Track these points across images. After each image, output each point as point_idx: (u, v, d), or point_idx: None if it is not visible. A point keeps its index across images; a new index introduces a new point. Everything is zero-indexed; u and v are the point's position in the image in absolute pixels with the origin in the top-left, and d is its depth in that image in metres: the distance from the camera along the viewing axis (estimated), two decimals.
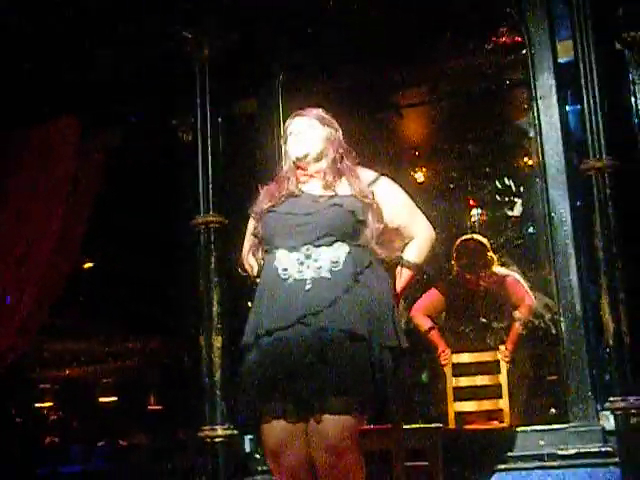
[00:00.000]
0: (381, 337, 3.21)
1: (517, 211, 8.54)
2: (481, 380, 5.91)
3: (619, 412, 4.40)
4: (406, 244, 3.56)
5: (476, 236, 6.67)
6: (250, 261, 3.55)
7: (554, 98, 5.14)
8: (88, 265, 8.61)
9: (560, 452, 4.67)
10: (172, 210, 5.90)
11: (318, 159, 3.51)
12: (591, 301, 4.86)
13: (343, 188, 3.45)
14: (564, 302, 4.92)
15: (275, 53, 5.81)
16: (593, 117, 4.67)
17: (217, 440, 4.96)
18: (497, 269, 6.41)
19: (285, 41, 5.81)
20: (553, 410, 6.29)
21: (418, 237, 3.54)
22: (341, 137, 3.59)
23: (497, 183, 8.60)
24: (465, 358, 6.02)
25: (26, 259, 6.01)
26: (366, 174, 3.54)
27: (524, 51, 5.45)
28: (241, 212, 3.65)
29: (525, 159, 8.33)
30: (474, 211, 8.49)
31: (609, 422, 4.58)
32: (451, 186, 8.74)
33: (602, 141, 4.63)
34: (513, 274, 6.53)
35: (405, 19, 5.87)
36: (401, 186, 3.62)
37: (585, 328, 4.85)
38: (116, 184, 6.54)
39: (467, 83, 7.49)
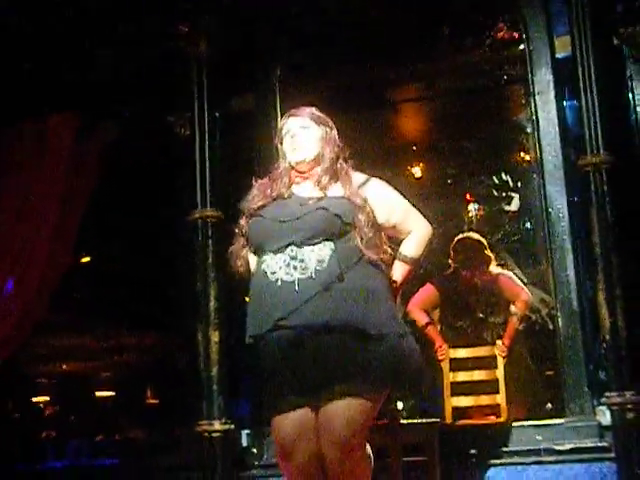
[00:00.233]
0: (372, 325, 3.20)
1: (514, 206, 8.55)
2: (478, 375, 5.92)
3: (615, 407, 4.42)
4: (402, 240, 3.56)
5: (474, 234, 6.67)
6: (240, 257, 3.55)
7: (552, 94, 5.15)
8: (85, 261, 8.60)
9: (556, 447, 4.69)
10: (169, 206, 5.90)
11: (315, 161, 3.51)
12: (588, 296, 4.87)
13: (335, 190, 3.45)
14: (561, 297, 4.93)
15: (272, 50, 5.80)
16: (590, 113, 4.68)
17: (214, 435, 4.98)
18: (493, 268, 6.41)
19: (282, 39, 5.81)
20: (549, 405, 6.30)
21: (416, 232, 3.54)
22: (336, 135, 3.58)
23: (494, 179, 8.61)
24: (462, 353, 6.03)
25: (22, 255, 6.01)
26: (356, 176, 3.54)
27: (522, 47, 5.46)
28: (238, 207, 3.64)
29: (522, 155, 8.34)
30: (471, 206, 8.50)
31: (605, 417, 4.59)
32: (449, 182, 8.75)
33: (599, 137, 4.64)
34: (508, 272, 6.54)
35: (402, 16, 5.87)
36: (393, 186, 3.61)
37: (582, 323, 4.86)
38: (112, 180, 6.53)
39: (465, 79, 7.49)
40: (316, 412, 3.21)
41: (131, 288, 8.09)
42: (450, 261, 6.46)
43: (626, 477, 4.34)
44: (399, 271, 3.50)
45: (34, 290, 5.97)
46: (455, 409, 5.87)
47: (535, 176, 5.91)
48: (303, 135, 3.51)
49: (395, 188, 3.58)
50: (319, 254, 3.26)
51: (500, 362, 5.87)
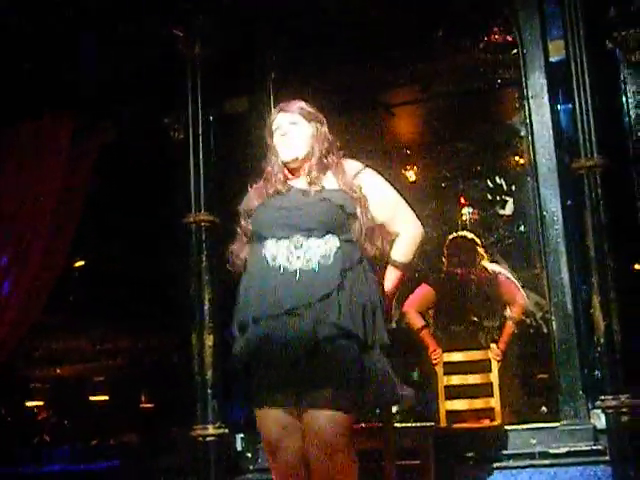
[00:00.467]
0: (372, 334, 3.21)
1: (508, 210, 8.57)
2: (473, 379, 5.92)
3: (610, 411, 4.41)
4: (393, 241, 3.53)
5: (466, 233, 6.68)
6: (240, 257, 3.52)
7: (545, 97, 5.15)
8: (79, 263, 8.58)
9: (551, 451, 4.69)
10: (164, 209, 5.89)
11: (306, 159, 3.50)
12: (582, 300, 4.87)
13: (329, 182, 3.44)
14: (555, 300, 4.93)
15: (267, 52, 5.80)
16: (584, 116, 4.68)
17: (208, 439, 4.97)
18: (488, 265, 6.41)
19: (277, 41, 5.81)
20: (544, 409, 6.30)
21: (405, 234, 3.50)
22: (326, 130, 3.55)
23: (488, 182, 8.63)
24: (457, 357, 6.02)
25: (18, 257, 6.00)
26: (351, 165, 3.52)
27: (515, 50, 5.46)
28: (233, 211, 3.63)
29: (516, 158, 8.36)
30: (465, 210, 8.51)
31: (600, 421, 4.59)
32: (443, 185, 8.77)
33: (593, 140, 4.64)
34: (504, 272, 6.54)
35: (398, 19, 5.88)
36: (386, 179, 3.58)
37: (576, 327, 4.86)
38: (107, 182, 6.53)
39: (459, 82, 7.50)
40: (301, 411, 3.19)
41: (126, 291, 8.06)
42: (444, 260, 6.46)
43: None
44: (391, 277, 3.50)
45: (29, 292, 5.96)
46: (450, 413, 5.87)
47: (529, 179, 5.93)
48: (293, 132, 3.48)
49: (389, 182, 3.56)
50: (324, 248, 3.24)
51: (494, 365, 5.87)
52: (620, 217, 4.67)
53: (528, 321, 6.66)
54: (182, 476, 5.12)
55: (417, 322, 6.22)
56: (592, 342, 4.63)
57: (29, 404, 10.79)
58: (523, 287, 6.58)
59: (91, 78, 6.12)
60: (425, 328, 6.22)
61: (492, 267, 6.46)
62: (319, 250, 3.24)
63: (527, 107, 5.20)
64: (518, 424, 5.17)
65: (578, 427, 4.72)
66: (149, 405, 10.35)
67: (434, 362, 6.07)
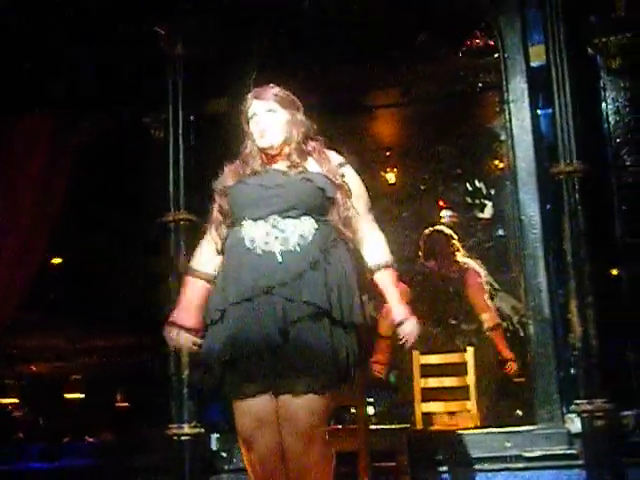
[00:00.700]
0: (347, 313, 3.19)
1: (487, 213, 8.59)
2: (449, 381, 5.92)
3: (585, 415, 4.44)
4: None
5: (443, 227, 6.68)
6: (215, 239, 3.49)
7: (526, 102, 5.16)
8: (56, 261, 8.54)
9: (526, 454, 4.69)
10: (143, 207, 5.87)
11: (284, 144, 3.48)
12: (559, 304, 4.88)
13: (312, 167, 3.43)
14: (532, 304, 4.94)
15: (248, 53, 5.78)
16: (564, 121, 4.70)
17: (184, 438, 4.96)
18: (462, 259, 6.40)
19: (259, 41, 5.79)
20: (519, 412, 6.32)
21: (373, 236, 3.46)
22: (302, 117, 3.53)
23: (468, 185, 8.65)
24: (433, 359, 6.02)
25: None
26: (334, 156, 3.52)
27: (496, 55, 5.48)
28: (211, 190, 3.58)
29: (496, 162, 8.38)
30: (444, 212, 8.51)
31: (575, 425, 4.60)
32: (422, 187, 8.77)
33: (573, 145, 4.67)
34: (473, 265, 6.47)
35: (379, 23, 5.89)
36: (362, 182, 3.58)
37: (553, 331, 4.87)
38: (86, 181, 6.50)
39: (439, 86, 7.53)
40: (277, 399, 3.17)
41: (104, 289, 8.03)
42: (420, 254, 6.46)
43: None
44: (389, 280, 3.46)
45: (3, 290, 5.93)
46: (425, 415, 5.87)
47: (508, 183, 5.94)
48: (269, 120, 3.45)
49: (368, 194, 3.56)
50: (301, 229, 3.23)
51: (471, 368, 5.88)
52: (598, 222, 4.70)
53: (505, 325, 6.66)
54: (157, 475, 5.10)
55: (385, 331, 6.13)
56: (568, 346, 4.66)
57: (3, 401, 10.73)
58: (500, 291, 6.60)
59: (71, 77, 6.08)
60: (387, 339, 6.10)
61: (466, 261, 6.43)
62: (297, 230, 3.23)
63: (507, 111, 5.22)
64: (494, 427, 5.18)
65: (553, 431, 4.73)
66: (125, 404, 10.32)
67: (376, 374, 6.07)
